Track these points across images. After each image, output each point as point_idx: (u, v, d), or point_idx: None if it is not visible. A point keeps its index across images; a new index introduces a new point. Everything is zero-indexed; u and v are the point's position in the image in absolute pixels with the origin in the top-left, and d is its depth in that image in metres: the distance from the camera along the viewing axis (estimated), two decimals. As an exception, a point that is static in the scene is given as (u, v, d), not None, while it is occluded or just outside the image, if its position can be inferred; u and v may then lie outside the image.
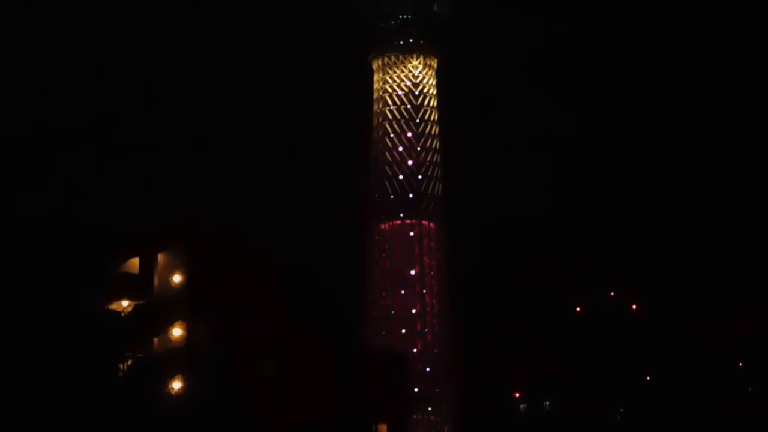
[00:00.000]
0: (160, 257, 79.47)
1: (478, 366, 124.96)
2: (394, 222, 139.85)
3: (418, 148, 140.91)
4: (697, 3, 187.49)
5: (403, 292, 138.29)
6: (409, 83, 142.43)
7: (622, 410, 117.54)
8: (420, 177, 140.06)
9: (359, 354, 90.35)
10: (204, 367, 75.58)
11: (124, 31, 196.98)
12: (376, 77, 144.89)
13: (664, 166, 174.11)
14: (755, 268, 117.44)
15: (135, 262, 78.73)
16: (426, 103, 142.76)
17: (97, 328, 72.55)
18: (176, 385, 76.25)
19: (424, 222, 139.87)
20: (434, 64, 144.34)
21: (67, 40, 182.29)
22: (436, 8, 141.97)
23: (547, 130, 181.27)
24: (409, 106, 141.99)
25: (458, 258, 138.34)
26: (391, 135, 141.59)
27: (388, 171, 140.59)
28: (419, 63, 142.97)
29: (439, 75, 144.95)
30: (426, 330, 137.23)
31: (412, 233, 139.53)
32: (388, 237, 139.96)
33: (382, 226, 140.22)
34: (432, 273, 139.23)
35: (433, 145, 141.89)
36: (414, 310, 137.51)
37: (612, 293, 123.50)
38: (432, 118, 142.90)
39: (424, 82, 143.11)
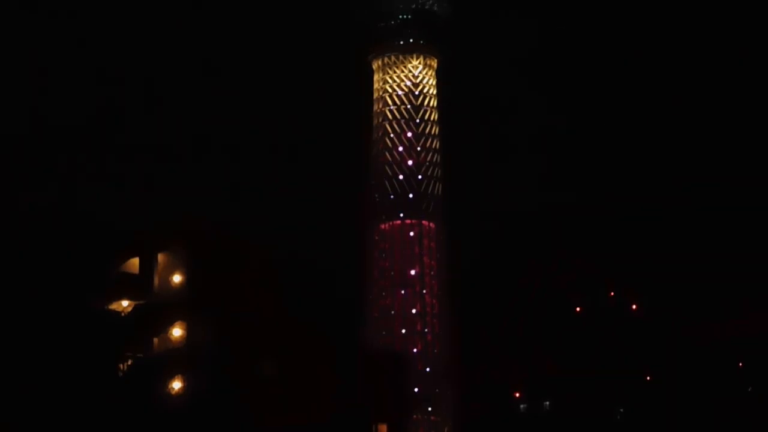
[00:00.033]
0: (160, 257, 79.44)
1: (478, 366, 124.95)
2: (394, 222, 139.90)
3: (418, 148, 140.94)
4: (697, 3, 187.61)
5: (403, 292, 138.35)
6: (409, 83, 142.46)
7: (622, 410, 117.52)
8: (420, 177, 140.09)
9: (359, 354, 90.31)
10: (204, 367, 75.57)
11: (124, 31, 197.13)
12: (376, 77, 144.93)
13: (664, 166, 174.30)
14: (755, 268, 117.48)
15: (135, 262, 78.69)
16: (426, 103, 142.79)
17: (97, 328, 72.51)
18: (176, 385, 76.23)
19: (424, 222, 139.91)
20: (434, 64, 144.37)
21: (68, 40, 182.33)
22: (436, 8, 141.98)
23: (547, 130, 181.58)
24: (409, 106, 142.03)
25: (458, 258, 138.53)
26: (391, 135, 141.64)
27: (388, 171, 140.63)
28: (419, 63, 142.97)
29: (439, 75, 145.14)
30: (426, 330, 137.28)
31: (412, 233, 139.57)
32: (388, 237, 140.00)
33: (382, 226, 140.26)
34: (432, 273, 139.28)
35: (433, 145, 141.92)
36: (414, 310, 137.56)
37: (612, 293, 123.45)
38: (432, 118, 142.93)
39: (424, 82, 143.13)
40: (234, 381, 75.72)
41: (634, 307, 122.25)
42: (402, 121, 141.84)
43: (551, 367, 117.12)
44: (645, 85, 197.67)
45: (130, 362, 75.03)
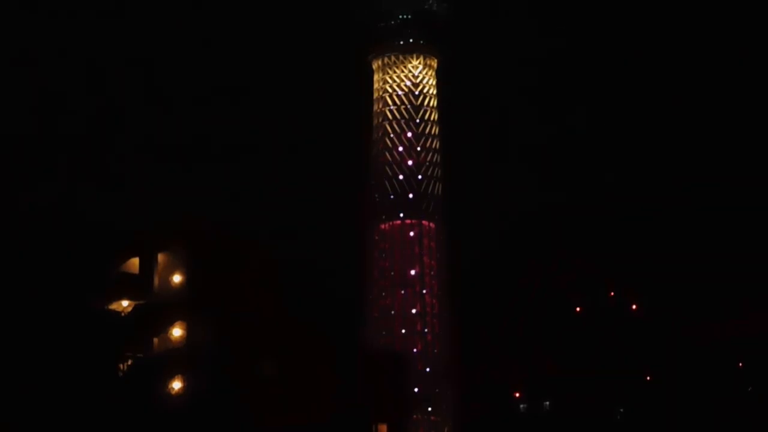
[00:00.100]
0: (160, 257, 79.44)
1: (478, 366, 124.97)
2: (394, 222, 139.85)
3: (418, 148, 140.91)
4: (697, 3, 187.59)
5: (403, 292, 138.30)
6: (409, 83, 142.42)
7: (622, 410, 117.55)
8: (420, 177, 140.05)
9: (359, 354, 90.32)
10: (204, 367, 75.56)
11: (124, 31, 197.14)
12: (376, 77, 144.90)
13: (664, 166, 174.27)
14: (755, 268, 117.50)
15: (135, 262, 78.69)
16: (426, 103, 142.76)
17: (97, 328, 72.51)
18: (176, 385, 76.24)
19: (424, 222, 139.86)
20: (434, 64, 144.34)
21: (68, 40, 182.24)
22: (436, 8, 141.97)
23: (547, 130, 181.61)
24: (409, 106, 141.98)
25: (458, 258, 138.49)
26: (391, 135, 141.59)
27: (388, 171, 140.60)
28: (419, 63, 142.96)
29: (439, 75, 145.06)
30: (426, 330, 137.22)
31: (412, 233, 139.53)
32: (388, 237, 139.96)
33: (382, 226, 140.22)
34: (432, 273, 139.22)
35: (433, 145, 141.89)
36: (414, 310, 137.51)
37: (612, 293, 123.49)
38: (432, 118, 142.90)
39: (424, 82, 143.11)
40: (234, 381, 75.71)
41: (634, 307, 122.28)
42: (402, 121, 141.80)
43: (551, 367, 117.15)
44: (645, 85, 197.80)
45: (130, 362, 75.02)
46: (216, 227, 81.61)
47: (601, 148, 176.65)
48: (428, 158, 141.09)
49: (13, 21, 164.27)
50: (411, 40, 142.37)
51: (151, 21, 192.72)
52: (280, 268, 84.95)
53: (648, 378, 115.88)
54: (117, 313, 76.80)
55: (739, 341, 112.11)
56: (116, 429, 69.22)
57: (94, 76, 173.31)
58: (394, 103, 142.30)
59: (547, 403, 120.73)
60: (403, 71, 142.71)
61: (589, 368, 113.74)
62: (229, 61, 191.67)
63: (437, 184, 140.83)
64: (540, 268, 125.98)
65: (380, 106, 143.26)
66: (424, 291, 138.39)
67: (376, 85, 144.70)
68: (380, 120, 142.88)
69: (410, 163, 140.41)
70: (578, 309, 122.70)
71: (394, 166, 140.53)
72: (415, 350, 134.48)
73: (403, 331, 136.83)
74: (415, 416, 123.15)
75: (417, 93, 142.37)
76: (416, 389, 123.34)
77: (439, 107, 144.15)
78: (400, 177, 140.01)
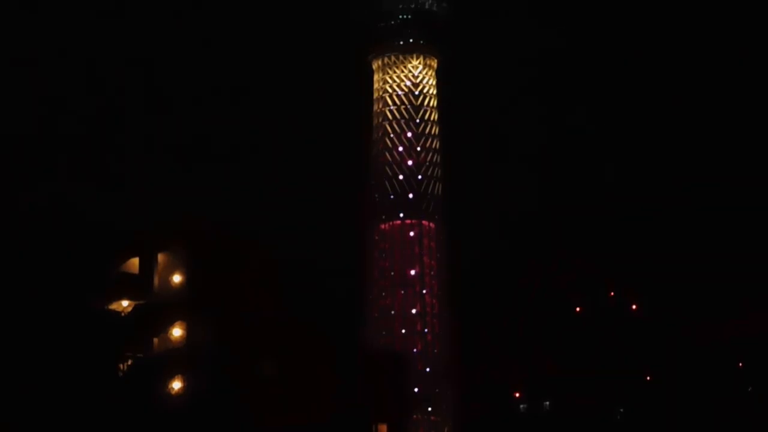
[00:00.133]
0: (160, 257, 79.45)
1: (478, 366, 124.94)
2: (394, 222, 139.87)
3: (418, 148, 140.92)
4: (697, 3, 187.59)
5: (403, 292, 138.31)
6: (409, 83, 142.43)
7: (622, 410, 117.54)
8: (420, 177, 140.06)
9: (359, 354, 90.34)
10: (204, 367, 75.57)
11: (124, 31, 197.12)
12: (376, 77, 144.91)
13: (663, 166, 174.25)
14: (755, 268, 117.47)
15: (135, 262, 78.70)
16: (426, 103, 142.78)
17: (97, 328, 72.52)
18: (176, 385, 76.24)
19: (424, 222, 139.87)
20: (434, 64, 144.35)
21: (68, 40, 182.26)
22: (435, 8, 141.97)
23: (547, 130, 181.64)
24: (409, 106, 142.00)
25: (458, 258, 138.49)
26: (391, 135, 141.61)
27: (388, 171, 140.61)
28: (419, 63, 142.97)
29: (439, 75, 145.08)
30: (426, 330, 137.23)
31: (412, 233, 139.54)
32: (388, 237, 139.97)
33: (382, 226, 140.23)
34: (432, 273, 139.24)
35: (433, 145, 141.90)
36: (414, 310, 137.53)
37: (612, 293, 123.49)
38: (432, 118, 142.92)
39: (424, 82, 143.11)
40: (234, 381, 75.72)
41: (634, 307, 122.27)
42: (402, 121, 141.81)
43: (551, 367, 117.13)
44: (645, 85, 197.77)
45: (130, 362, 75.02)
46: (216, 227, 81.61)
47: (601, 148, 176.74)
48: (428, 158, 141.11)
49: (13, 21, 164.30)
50: (411, 40, 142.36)
51: (151, 21, 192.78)
52: (280, 268, 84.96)
53: (648, 378, 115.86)
54: (117, 313, 76.80)
55: (739, 341, 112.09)
56: (116, 429, 69.22)
57: (94, 76, 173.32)
58: (394, 103, 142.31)
59: (547, 403, 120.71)
60: (403, 71, 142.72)
61: (589, 368, 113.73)
62: (229, 61, 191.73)
63: (437, 184, 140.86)
64: (540, 268, 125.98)
65: (380, 106, 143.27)
66: (424, 291, 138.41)
67: (376, 85, 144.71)
68: (380, 120, 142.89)
69: (410, 163, 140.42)
70: (578, 309, 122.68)
71: (394, 166, 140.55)
72: (415, 350, 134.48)
73: (403, 331, 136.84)
74: (415, 416, 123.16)
75: (417, 93, 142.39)
76: (416, 389, 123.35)
77: (439, 107, 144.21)
78: (400, 177, 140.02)
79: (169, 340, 77.97)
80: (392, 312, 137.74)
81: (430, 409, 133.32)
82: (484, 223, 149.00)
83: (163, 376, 75.61)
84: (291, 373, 79.38)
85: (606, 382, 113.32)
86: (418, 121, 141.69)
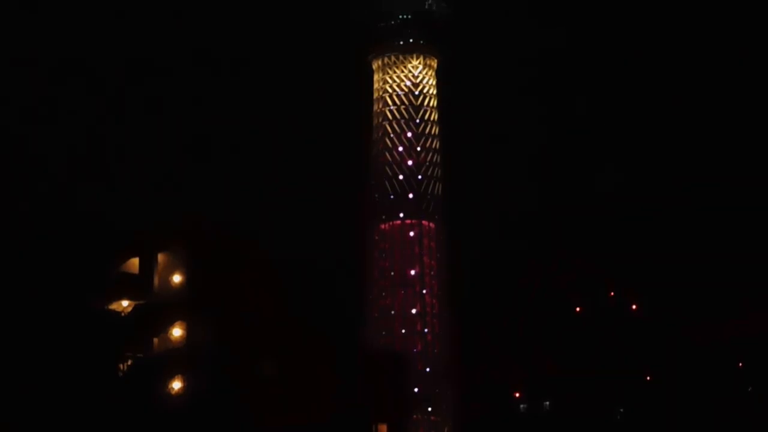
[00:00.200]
0: (160, 257, 79.48)
1: (478, 366, 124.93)
2: (394, 222, 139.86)
3: (418, 148, 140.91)
4: (697, 3, 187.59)
5: (403, 292, 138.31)
6: (409, 83, 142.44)
7: (622, 410, 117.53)
8: (420, 177, 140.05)
9: (359, 354, 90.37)
10: (204, 367, 75.59)
11: (124, 30, 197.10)
12: (376, 77, 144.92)
13: (663, 166, 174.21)
14: (755, 268, 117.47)
15: (135, 262, 78.73)
16: (426, 103, 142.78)
17: (97, 328, 72.53)
18: (176, 385, 76.25)
19: (424, 222, 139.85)
20: (434, 64, 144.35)
21: (68, 39, 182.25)
22: (435, 8, 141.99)
23: (547, 130, 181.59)
24: (409, 106, 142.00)
25: (458, 258, 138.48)
26: (391, 135, 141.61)
27: (388, 171, 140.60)
28: (419, 63, 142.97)
29: (439, 75, 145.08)
30: (426, 330, 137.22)
31: (412, 233, 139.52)
32: (388, 237, 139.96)
33: (382, 226, 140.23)
34: (432, 273, 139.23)
35: (433, 145, 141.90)
36: (414, 310, 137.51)
37: (612, 293, 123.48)
38: (432, 118, 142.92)
39: (424, 82, 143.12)
40: (234, 381, 75.72)
41: (634, 307, 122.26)
42: (402, 121, 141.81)
43: (551, 367, 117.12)
44: (645, 85, 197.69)
45: (130, 362, 75.04)
46: (216, 227, 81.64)
47: (601, 147, 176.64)
48: (428, 158, 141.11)
49: (13, 21, 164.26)
50: (411, 40, 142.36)
51: (151, 21, 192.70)
52: (280, 268, 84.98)
53: (648, 378, 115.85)
54: (117, 313, 76.82)
55: (739, 341, 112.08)
56: (116, 429, 69.23)
57: (94, 76, 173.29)
58: (394, 103, 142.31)
59: (547, 403, 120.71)
60: (403, 71, 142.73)
61: (589, 368, 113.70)
62: (230, 61, 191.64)
63: (437, 184, 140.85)
64: (540, 268, 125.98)
65: (380, 106, 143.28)
66: (424, 291, 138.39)
67: (376, 85, 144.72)
68: (380, 120, 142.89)
69: (410, 163, 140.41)
70: (578, 309, 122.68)
71: (394, 166, 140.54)
72: (415, 350, 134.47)
73: (403, 331, 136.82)
74: (415, 416, 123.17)
75: (417, 93, 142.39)
76: (416, 389, 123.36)
77: (439, 107, 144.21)
78: (400, 177, 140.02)
79: (169, 340, 77.99)
80: (392, 312, 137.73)
81: (430, 409, 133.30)
82: (484, 223, 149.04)
83: (163, 376, 75.64)
84: (291, 373, 79.40)
85: (606, 382, 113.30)
86: (418, 121, 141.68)
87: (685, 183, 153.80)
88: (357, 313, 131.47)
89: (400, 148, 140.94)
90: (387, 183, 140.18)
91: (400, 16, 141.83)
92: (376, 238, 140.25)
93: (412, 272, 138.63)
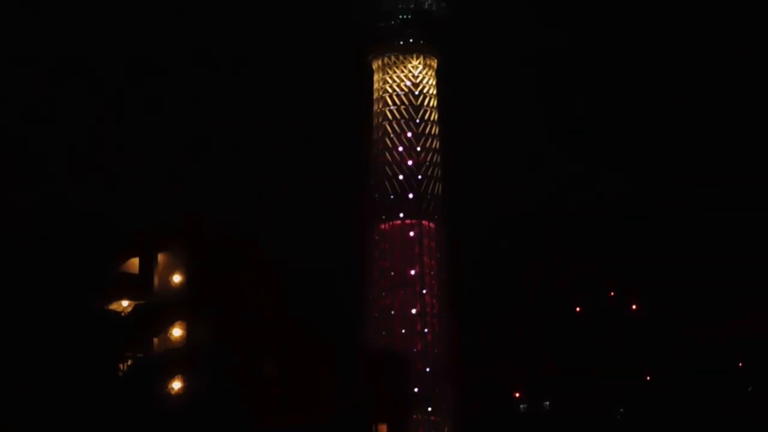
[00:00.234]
0: (160, 257, 79.48)
1: (478, 366, 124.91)
2: (394, 222, 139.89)
3: (418, 148, 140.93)
4: (697, 3, 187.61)
5: (403, 292, 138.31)
6: (409, 83, 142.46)
7: (622, 410, 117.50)
8: (420, 177, 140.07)
9: (359, 354, 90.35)
10: (204, 367, 75.59)
11: (124, 30, 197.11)
12: (376, 77, 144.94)
13: (664, 166, 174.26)
14: (755, 268, 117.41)
15: (135, 262, 78.73)
16: (426, 103, 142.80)
17: (97, 328, 72.53)
18: (176, 385, 76.25)
19: (424, 222, 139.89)
20: (434, 64, 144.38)
21: (68, 39, 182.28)
22: (435, 8, 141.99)
23: (547, 130, 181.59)
24: (409, 106, 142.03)
25: (458, 258, 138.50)
26: (391, 135, 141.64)
27: (388, 171, 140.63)
28: (419, 63, 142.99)
29: (439, 75, 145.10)
30: (426, 330, 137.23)
31: (412, 233, 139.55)
32: (388, 237, 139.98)
33: (382, 226, 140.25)
34: (432, 273, 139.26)
35: (433, 145, 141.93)
36: (414, 310, 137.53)
37: (612, 293, 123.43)
38: (432, 118, 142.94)
39: (424, 82, 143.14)
40: (234, 381, 75.72)
41: (634, 307, 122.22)
42: (402, 121, 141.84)
43: (551, 367, 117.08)
44: (645, 84, 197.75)
45: (130, 362, 75.04)
46: (216, 227, 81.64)
47: (601, 147, 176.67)
48: (428, 158, 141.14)
49: (13, 21, 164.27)
50: (411, 40, 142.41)
51: (151, 21, 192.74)
52: (280, 268, 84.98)
53: (648, 378, 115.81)
54: (117, 313, 76.83)
55: (739, 341, 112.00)
56: (116, 429, 69.23)
57: (94, 76, 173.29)
58: (394, 103, 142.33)
59: (547, 403, 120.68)
60: (403, 71, 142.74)
61: (589, 368, 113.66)
62: (230, 61, 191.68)
63: (437, 184, 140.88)
64: (540, 268, 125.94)
65: (380, 106, 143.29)
66: (424, 291, 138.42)
67: (376, 85, 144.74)
68: (380, 120, 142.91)
69: (410, 163, 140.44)
70: (578, 309, 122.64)
71: (394, 166, 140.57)
72: (415, 350, 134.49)
73: (403, 331, 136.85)
74: (415, 416, 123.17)
75: (417, 93, 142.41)
76: (416, 389, 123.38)
77: (439, 107, 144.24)
78: (400, 177, 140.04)
79: (169, 340, 77.99)
80: (392, 312, 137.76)
81: (430, 409, 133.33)
82: (484, 223, 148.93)
83: (163, 376, 75.65)
84: (291, 373, 79.40)
85: (606, 382, 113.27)
86: (418, 121, 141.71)
87: (685, 183, 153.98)
88: (357, 313, 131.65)
89: (400, 148, 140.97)
90: (387, 183, 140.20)
91: (400, 16, 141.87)
92: (376, 238, 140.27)
93: (412, 272, 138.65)
